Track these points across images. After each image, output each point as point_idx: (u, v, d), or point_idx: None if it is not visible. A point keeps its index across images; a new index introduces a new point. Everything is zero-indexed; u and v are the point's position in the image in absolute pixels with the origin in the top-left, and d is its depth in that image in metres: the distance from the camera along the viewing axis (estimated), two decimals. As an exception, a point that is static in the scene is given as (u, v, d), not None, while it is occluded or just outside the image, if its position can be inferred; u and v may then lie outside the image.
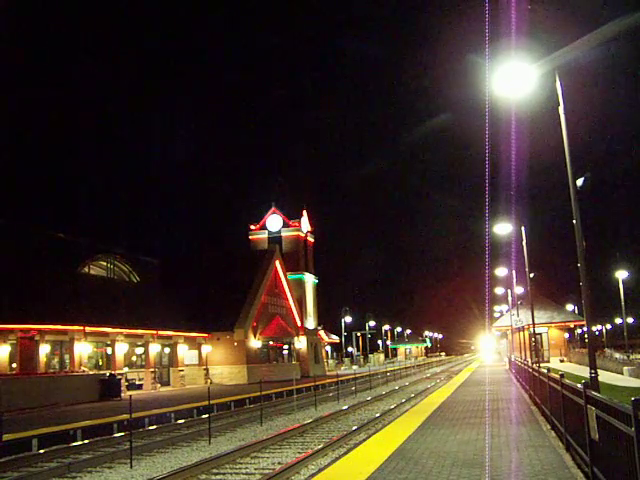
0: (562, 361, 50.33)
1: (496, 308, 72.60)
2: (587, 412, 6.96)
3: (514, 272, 35.89)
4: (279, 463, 12.30)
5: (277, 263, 49.48)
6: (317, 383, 33.02)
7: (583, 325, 55.96)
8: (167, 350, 39.71)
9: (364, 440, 12.00)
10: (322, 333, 63.83)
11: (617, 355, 44.29)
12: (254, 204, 57.77)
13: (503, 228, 26.89)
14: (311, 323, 56.60)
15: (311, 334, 55.19)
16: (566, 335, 58.06)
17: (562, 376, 9.82)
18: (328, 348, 77.92)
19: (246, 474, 11.48)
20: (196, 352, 41.70)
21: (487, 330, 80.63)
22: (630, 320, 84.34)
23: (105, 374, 29.96)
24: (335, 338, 74.73)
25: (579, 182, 11.06)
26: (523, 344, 42.77)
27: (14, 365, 28.48)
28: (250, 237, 55.48)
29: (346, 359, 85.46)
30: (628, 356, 40.49)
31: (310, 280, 57.35)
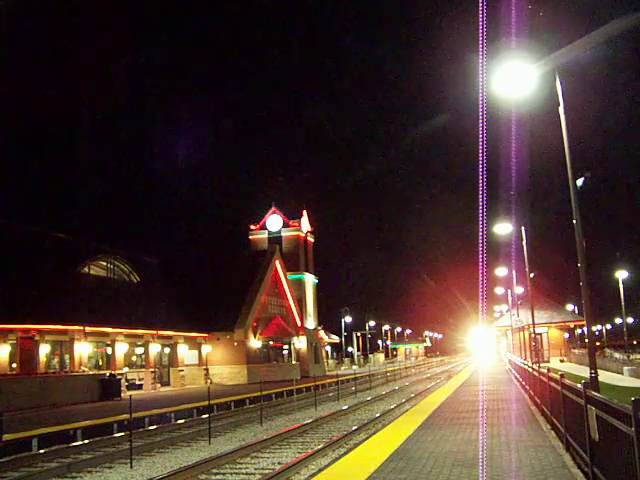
0: (562, 361, 50.33)
1: (496, 308, 72.69)
2: (587, 412, 6.96)
3: (514, 272, 35.90)
4: (279, 463, 12.29)
5: (277, 263, 49.47)
6: (317, 383, 33.01)
7: (583, 325, 55.94)
8: (167, 350, 39.71)
9: (364, 440, 12.00)
10: (322, 333, 63.87)
11: (617, 355, 44.35)
12: (254, 204, 57.78)
13: (503, 228, 26.88)
14: (311, 323, 56.61)
15: (311, 334, 55.19)
16: (566, 335, 58.06)
17: (562, 376, 9.82)
18: (328, 348, 77.94)
19: (246, 474, 11.49)
20: (196, 352, 41.70)
21: (487, 330, 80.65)
22: (630, 320, 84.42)
23: (105, 374, 29.96)
24: (335, 338, 74.76)
25: (579, 182, 11.06)
26: (523, 344, 42.78)
27: (14, 365, 28.47)
28: (250, 237, 55.50)
29: (346, 359, 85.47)
30: (628, 356, 40.54)
31: (310, 280, 57.35)
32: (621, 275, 44.83)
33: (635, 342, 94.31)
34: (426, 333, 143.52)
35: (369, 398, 27.42)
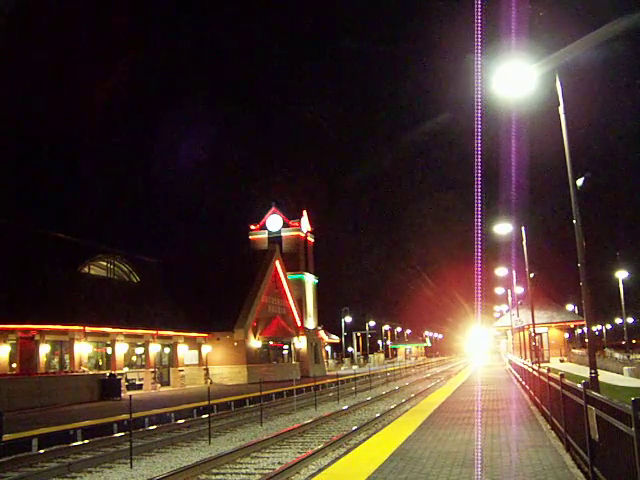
0: (562, 361, 50.33)
1: (496, 308, 72.72)
2: (587, 412, 6.97)
3: (514, 272, 35.91)
4: (279, 463, 12.29)
5: (277, 263, 49.47)
6: (317, 383, 33.01)
7: (583, 325, 55.94)
8: (167, 350, 39.71)
9: (364, 440, 12.00)
10: (322, 333, 63.82)
11: (617, 355, 44.33)
12: (254, 204, 57.72)
13: (503, 228, 26.89)
14: (311, 323, 56.60)
15: (311, 334, 55.18)
16: (566, 335, 58.07)
17: (562, 376, 9.82)
18: (328, 348, 77.92)
19: (246, 474, 11.49)
20: (196, 352, 41.71)
21: (487, 330, 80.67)
22: (630, 320, 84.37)
23: (105, 374, 29.96)
24: (335, 338, 74.71)
25: (579, 182, 11.07)
26: (523, 344, 42.79)
27: (14, 365, 28.48)
28: (250, 237, 55.49)
29: (346, 359, 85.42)
30: (628, 356, 40.48)
31: (310, 280, 57.34)
32: (621, 275, 44.78)
33: (635, 342, 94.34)
34: (426, 333, 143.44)
35: (369, 398, 27.42)
